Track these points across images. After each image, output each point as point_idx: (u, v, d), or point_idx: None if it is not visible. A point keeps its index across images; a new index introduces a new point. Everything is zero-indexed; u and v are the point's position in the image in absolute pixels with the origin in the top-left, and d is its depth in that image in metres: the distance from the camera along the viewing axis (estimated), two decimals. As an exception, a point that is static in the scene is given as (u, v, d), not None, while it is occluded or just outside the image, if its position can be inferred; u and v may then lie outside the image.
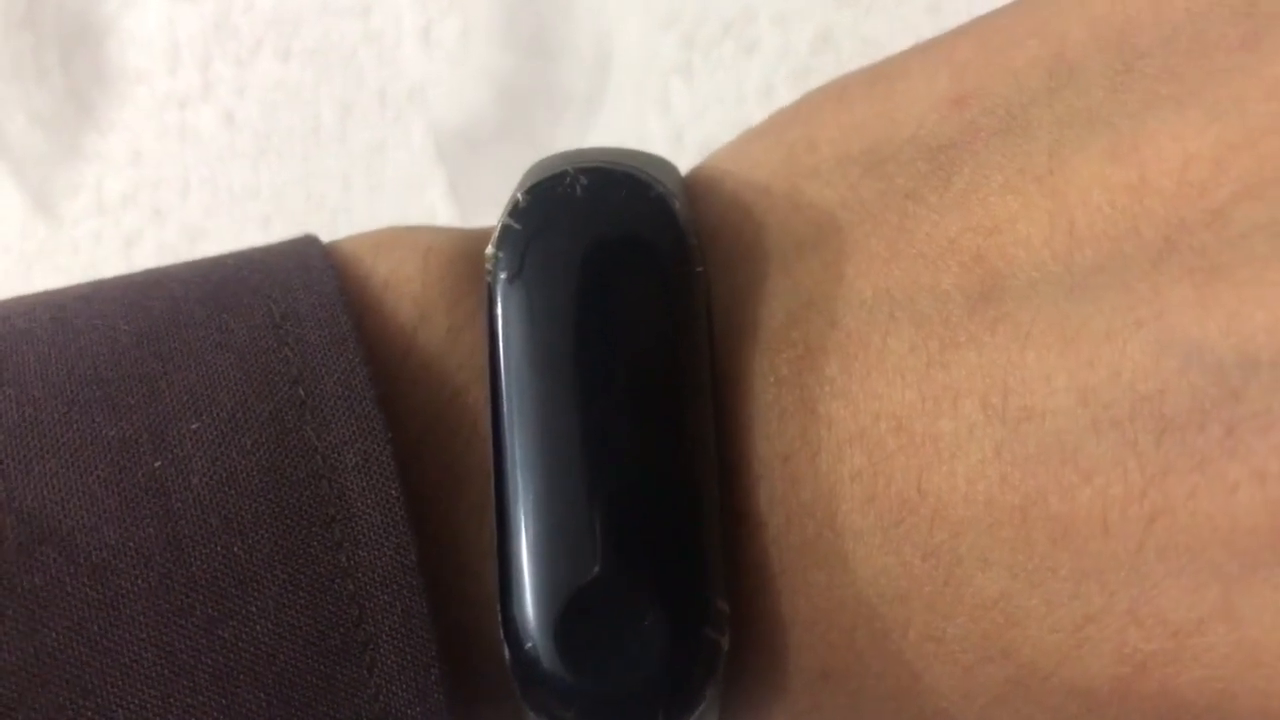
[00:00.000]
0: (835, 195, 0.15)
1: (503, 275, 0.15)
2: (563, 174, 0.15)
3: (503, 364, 0.14)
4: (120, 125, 0.44)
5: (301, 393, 0.14)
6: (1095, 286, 0.13)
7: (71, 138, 0.45)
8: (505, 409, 0.14)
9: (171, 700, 0.13)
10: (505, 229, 0.15)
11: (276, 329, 0.14)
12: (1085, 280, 0.13)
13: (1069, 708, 0.14)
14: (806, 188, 0.15)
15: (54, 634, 0.13)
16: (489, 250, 0.15)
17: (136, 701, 0.13)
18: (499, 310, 0.14)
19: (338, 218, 0.40)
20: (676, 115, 0.35)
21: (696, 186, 0.16)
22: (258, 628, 0.14)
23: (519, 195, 0.15)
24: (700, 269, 0.15)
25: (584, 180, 0.15)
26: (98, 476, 0.13)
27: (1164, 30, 0.14)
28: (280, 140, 0.42)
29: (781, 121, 0.17)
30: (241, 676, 0.13)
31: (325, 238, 0.16)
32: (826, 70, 0.29)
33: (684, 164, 0.17)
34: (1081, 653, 0.13)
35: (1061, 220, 0.14)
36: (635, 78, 0.36)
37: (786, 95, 0.24)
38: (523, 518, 0.14)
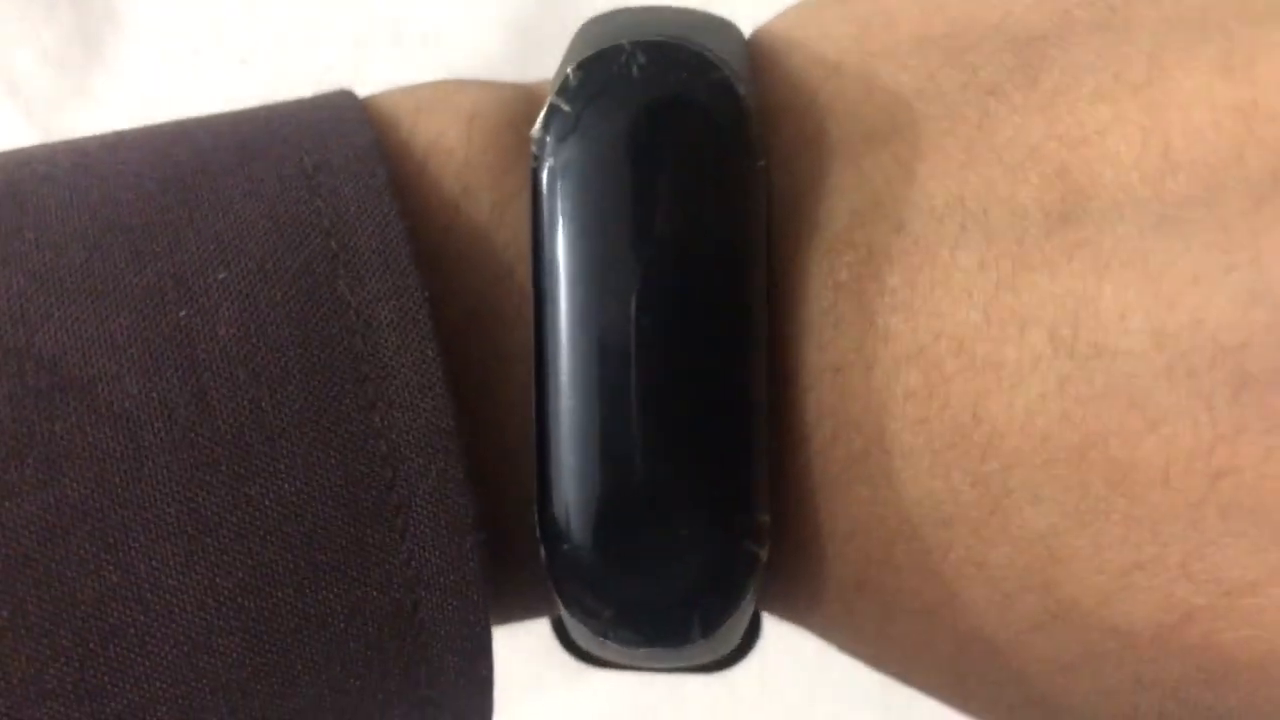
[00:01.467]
0: (912, 82, 0.14)
1: (549, 162, 0.14)
2: (619, 49, 0.14)
3: (546, 256, 0.14)
4: (131, 65, 0.43)
5: (334, 245, 0.14)
6: (1187, 220, 0.12)
7: (80, 78, 0.44)
8: (548, 301, 0.14)
9: (195, 557, 0.13)
10: (553, 110, 0.14)
11: (309, 179, 0.14)
12: (1177, 211, 0.13)
13: (1107, 644, 0.13)
14: (881, 70, 0.14)
15: (74, 484, 0.13)
16: (534, 132, 0.14)
17: (159, 557, 0.13)
18: (543, 196, 0.14)
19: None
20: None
21: (761, 57, 0.15)
22: (285, 486, 0.13)
23: (569, 71, 0.14)
24: (762, 163, 0.14)
25: (641, 58, 0.14)
26: (121, 324, 0.13)
27: None
28: (293, 80, 0.42)
29: None
30: (268, 535, 0.13)
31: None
32: None
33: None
34: (1125, 596, 0.13)
35: (1156, 139, 0.13)
36: (658, 12, 0.35)
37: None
38: (564, 415, 0.14)
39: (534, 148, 0.14)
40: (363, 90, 0.16)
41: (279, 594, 0.13)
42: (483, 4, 0.39)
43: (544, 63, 0.14)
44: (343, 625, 0.13)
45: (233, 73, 0.42)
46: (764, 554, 0.14)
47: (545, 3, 0.38)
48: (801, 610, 0.15)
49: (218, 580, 0.13)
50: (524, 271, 0.14)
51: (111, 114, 0.43)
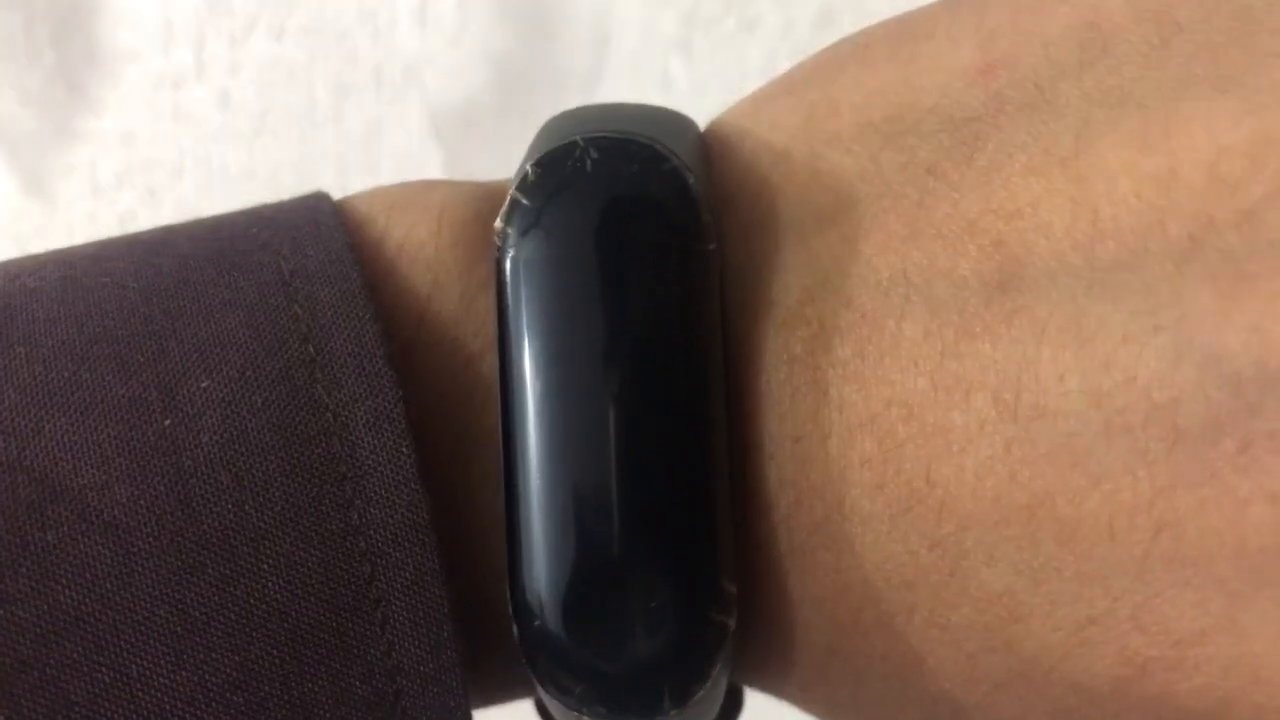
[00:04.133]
0: (855, 165, 0.15)
1: (511, 251, 0.14)
2: (573, 145, 0.14)
3: (511, 339, 0.14)
4: (113, 105, 0.43)
5: (311, 350, 0.14)
6: (1116, 284, 0.13)
7: (64, 118, 0.44)
8: (514, 386, 0.14)
9: (185, 657, 0.13)
10: (514, 203, 0.14)
11: (286, 286, 0.14)
12: (1106, 276, 0.13)
13: (1069, 700, 0.14)
14: (826, 155, 0.15)
15: (67, 591, 0.13)
16: (498, 224, 0.15)
17: (149, 657, 0.13)
18: (507, 284, 0.14)
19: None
20: (676, 94, 0.35)
21: (714, 146, 0.16)
22: (270, 585, 0.13)
23: (529, 168, 0.15)
24: (713, 246, 0.14)
25: (594, 153, 0.14)
26: (109, 435, 0.13)
27: (1206, 4, 0.14)
28: (275, 120, 0.42)
29: (802, 78, 0.16)
30: (254, 633, 0.13)
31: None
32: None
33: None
34: (1083, 651, 0.13)
35: (1085, 209, 0.13)
36: (634, 55, 0.36)
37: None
38: (532, 494, 0.14)
39: (497, 239, 0.14)
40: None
41: (266, 688, 0.13)
42: (464, 42, 0.39)
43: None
44: (328, 715, 0.14)
45: (214, 111, 0.43)
46: (731, 623, 0.14)
47: (525, 41, 0.39)
48: (776, 679, 0.16)
49: (207, 678, 0.13)
50: (492, 358, 0.15)
51: (93, 153, 0.44)
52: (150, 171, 0.44)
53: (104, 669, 0.13)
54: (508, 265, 0.14)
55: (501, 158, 0.17)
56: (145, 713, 0.13)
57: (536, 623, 0.14)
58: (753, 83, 0.17)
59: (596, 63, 0.37)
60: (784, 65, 0.17)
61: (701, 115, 0.17)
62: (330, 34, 0.41)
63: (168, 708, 0.13)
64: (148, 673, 0.13)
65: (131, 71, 0.43)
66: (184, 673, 0.13)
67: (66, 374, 0.14)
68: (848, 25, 0.16)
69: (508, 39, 0.39)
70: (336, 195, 0.16)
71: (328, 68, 0.41)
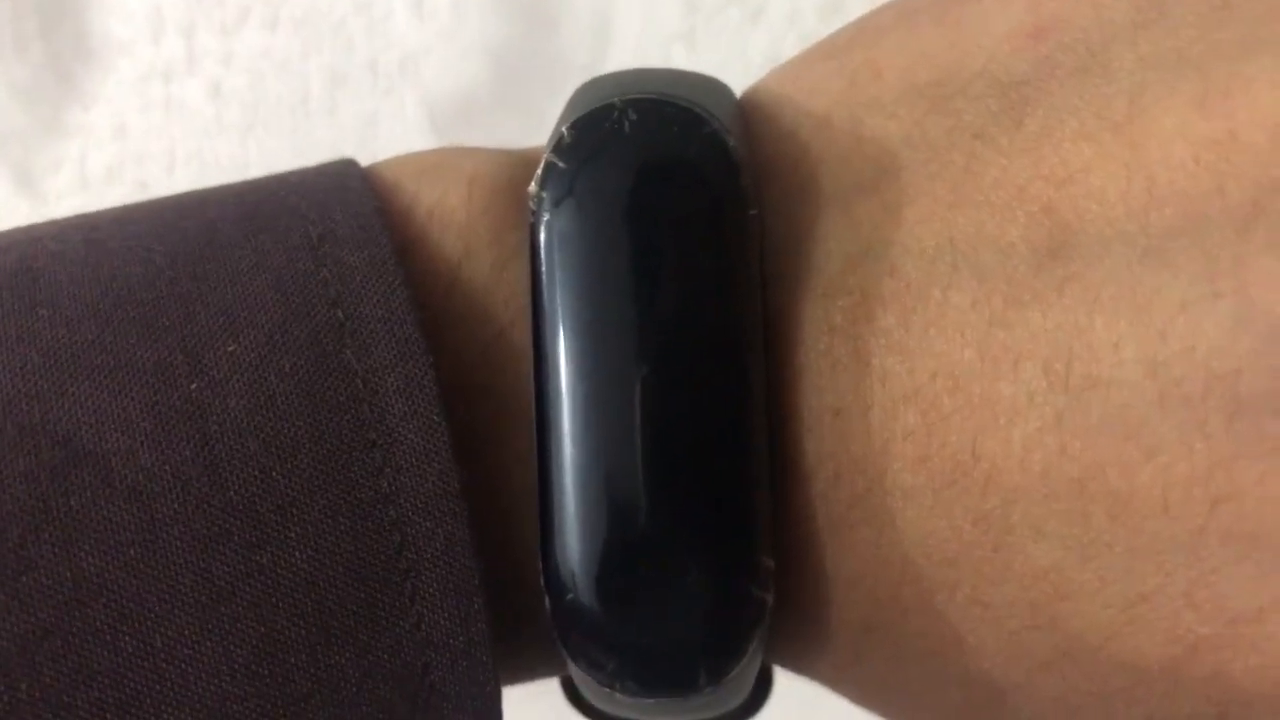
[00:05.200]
0: (899, 130, 0.15)
1: (545, 216, 0.14)
2: (610, 107, 0.14)
3: (545, 309, 0.14)
4: (103, 98, 0.43)
5: (340, 315, 0.14)
6: (1173, 250, 0.13)
7: (53, 111, 0.44)
8: (548, 355, 0.14)
9: (209, 626, 0.13)
10: (549, 166, 0.14)
11: (314, 250, 0.14)
12: (1162, 243, 0.13)
13: (1116, 680, 0.13)
14: (869, 120, 0.15)
15: (91, 558, 0.13)
16: (532, 188, 0.14)
17: (174, 627, 0.13)
18: (541, 252, 0.14)
19: (329, 190, 0.39)
20: (677, 83, 0.34)
21: (753, 113, 0.16)
22: (296, 554, 0.13)
23: (564, 130, 0.14)
24: (754, 212, 0.14)
25: (633, 115, 0.14)
26: (133, 399, 0.13)
27: None
28: (268, 113, 0.41)
29: (844, 43, 0.16)
30: (280, 603, 0.13)
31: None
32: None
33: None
34: (1133, 629, 0.13)
35: (1139, 174, 0.13)
36: (636, 45, 0.35)
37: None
38: (566, 466, 0.14)
39: (532, 204, 0.14)
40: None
41: (292, 660, 0.13)
42: (461, 33, 0.39)
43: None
44: (355, 689, 0.13)
45: (207, 103, 0.42)
46: (769, 598, 0.14)
47: (524, 32, 0.38)
48: (811, 657, 0.16)
49: (232, 648, 0.13)
50: (524, 327, 0.15)
51: (83, 147, 0.43)
52: (141, 165, 0.44)
53: (128, 637, 0.13)
54: (542, 232, 0.14)
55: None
56: (169, 683, 0.13)
57: (569, 596, 0.14)
58: (757, 73, 0.16)
59: (597, 54, 0.37)
60: (789, 55, 0.16)
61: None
62: (325, 24, 0.40)
63: (192, 678, 0.13)
64: (172, 642, 0.13)
65: (122, 63, 0.43)
66: (209, 642, 0.13)
67: (90, 337, 0.13)
68: (856, 14, 0.16)
69: (506, 30, 0.38)
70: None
71: (322, 59, 0.41)
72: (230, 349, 0.13)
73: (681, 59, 0.34)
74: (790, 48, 0.31)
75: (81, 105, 0.43)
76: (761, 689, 0.17)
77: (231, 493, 0.13)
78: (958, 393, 0.13)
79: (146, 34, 0.42)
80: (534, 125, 0.15)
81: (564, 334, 0.14)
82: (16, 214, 0.45)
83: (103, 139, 0.43)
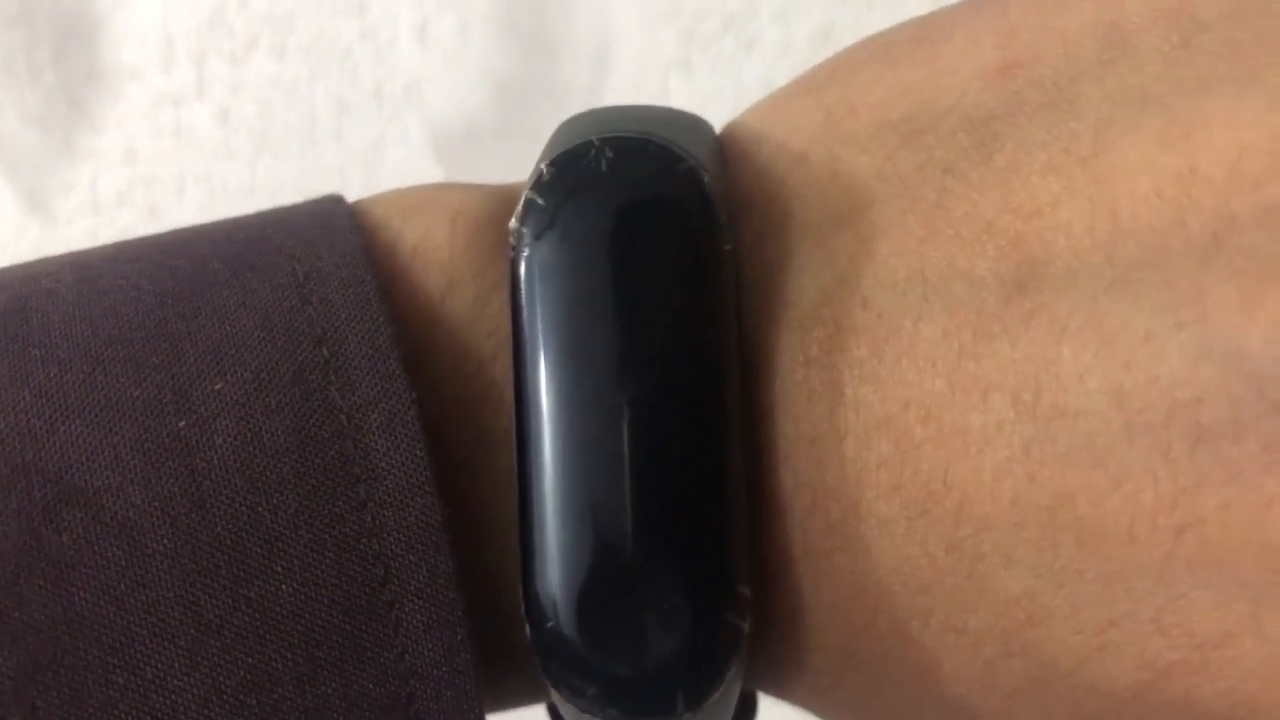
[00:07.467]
0: (872, 165, 0.15)
1: (526, 251, 0.14)
2: (588, 145, 0.14)
3: (525, 341, 0.14)
4: (114, 123, 0.44)
5: (325, 352, 0.14)
6: (1137, 282, 0.13)
7: (65, 136, 0.44)
8: (528, 386, 0.14)
9: (199, 659, 0.13)
10: (529, 203, 0.14)
11: (300, 288, 0.14)
12: (1126, 274, 0.13)
13: (1089, 705, 0.14)
14: (843, 156, 0.15)
15: (82, 593, 0.13)
16: (512, 224, 0.15)
17: (164, 659, 0.13)
18: (521, 285, 0.14)
19: (334, 214, 0.39)
20: (675, 110, 0.35)
21: (731, 147, 0.16)
22: (283, 587, 0.13)
23: (543, 167, 0.15)
24: (729, 247, 0.14)
25: (609, 153, 0.14)
26: (123, 437, 0.13)
27: (1227, 2, 0.14)
28: (276, 138, 0.42)
29: (821, 79, 0.16)
30: (267, 635, 0.13)
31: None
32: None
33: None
34: (1104, 655, 0.13)
35: (1104, 207, 0.13)
36: (634, 74, 0.36)
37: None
38: (546, 495, 0.14)
39: (512, 239, 0.15)
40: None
41: (280, 691, 0.13)
42: (465, 60, 0.39)
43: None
44: (341, 719, 0.14)
45: (215, 129, 0.43)
46: (746, 626, 0.14)
47: (526, 60, 0.39)
48: (790, 682, 0.16)
49: (220, 680, 0.13)
50: (506, 360, 0.15)
51: (94, 171, 0.44)
52: (151, 189, 0.44)
53: (119, 671, 0.13)
54: (522, 266, 0.14)
55: (502, 176, 0.18)
56: (160, 715, 0.13)
57: (550, 624, 0.14)
58: (751, 101, 0.17)
59: (597, 81, 0.37)
60: (782, 83, 0.17)
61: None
62: (331, 53, 0.41)
63: (182, 710, 0.13)
64: (162, 675, 0.13)
65: (133, 89, 0.43)
66: (198, 675, 0.13)
67: (81, 376, 0.14)
68: (847, 43, 0.16)
69: (508, 57, 0.39)
70: (341, 210, 0.16)
71: (328, 86, 0.41)
72: (218, 387, 0.14)
73: (678, 87, 0.34)
74: (783, 76, 0.32)
75: (93, 130, 0.44)
76: (745, 713, 0.17)
77: (219, 528, 0.13)
78: (929, 422, 0.14)
79: (157, 61, 0.43)
80: (535, 150, 0.16)
81: (544, 365, 0.14)
82: (28, 236, 0.45)
83: (113, 163, 0.44)
